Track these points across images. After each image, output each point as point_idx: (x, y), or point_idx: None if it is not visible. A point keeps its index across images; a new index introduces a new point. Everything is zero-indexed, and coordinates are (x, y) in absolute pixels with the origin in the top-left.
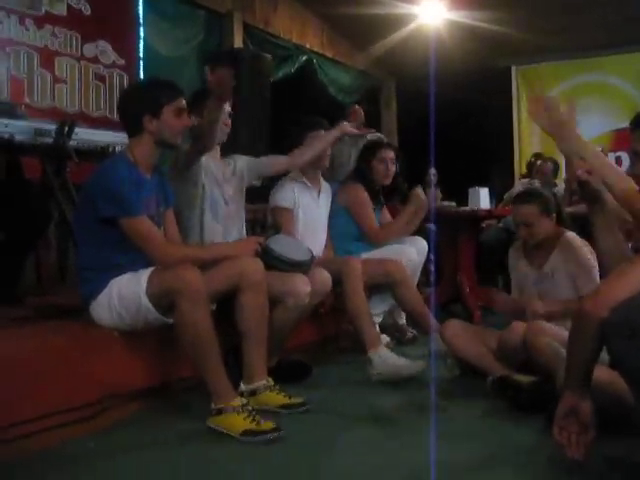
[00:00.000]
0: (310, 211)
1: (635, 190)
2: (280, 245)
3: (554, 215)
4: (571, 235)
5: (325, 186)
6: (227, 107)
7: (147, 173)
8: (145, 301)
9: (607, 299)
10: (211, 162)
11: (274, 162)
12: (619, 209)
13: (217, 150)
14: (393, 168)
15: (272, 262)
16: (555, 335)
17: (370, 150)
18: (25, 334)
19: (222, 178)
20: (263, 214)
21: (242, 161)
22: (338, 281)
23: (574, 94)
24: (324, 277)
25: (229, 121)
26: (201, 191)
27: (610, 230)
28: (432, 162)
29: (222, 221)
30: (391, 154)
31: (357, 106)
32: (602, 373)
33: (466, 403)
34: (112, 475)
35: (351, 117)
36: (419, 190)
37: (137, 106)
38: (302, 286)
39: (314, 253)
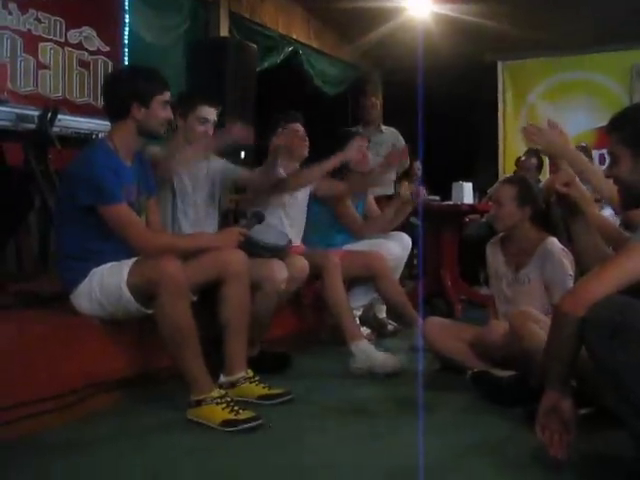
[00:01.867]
0: (287, 203)
1: None
2: (259, 233)
3: (528, 209)
4: (552, 242)
5: None
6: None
7: (127, 160)
8: (126, 292)
9: (584, 298)
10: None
11: (245, 176)
12: (599, 218)
13: None
14: (370, 155)
15: (254, 250)
16: (542, 322)
17: (344, 142)
18: (5, 321)
19: (193, 184)
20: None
21: (218, 164)
22: (317, 274)
23: (560, 91)
24: (301, 264)
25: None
26: (170, 194)
27: (589, 235)
28: (419, 156)
29: (192, 224)
30: (365, 142)
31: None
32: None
33: (446, 397)
34: (90, 464)
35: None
36: (405, 186)
37: (127, 92)
38: (279, 272)
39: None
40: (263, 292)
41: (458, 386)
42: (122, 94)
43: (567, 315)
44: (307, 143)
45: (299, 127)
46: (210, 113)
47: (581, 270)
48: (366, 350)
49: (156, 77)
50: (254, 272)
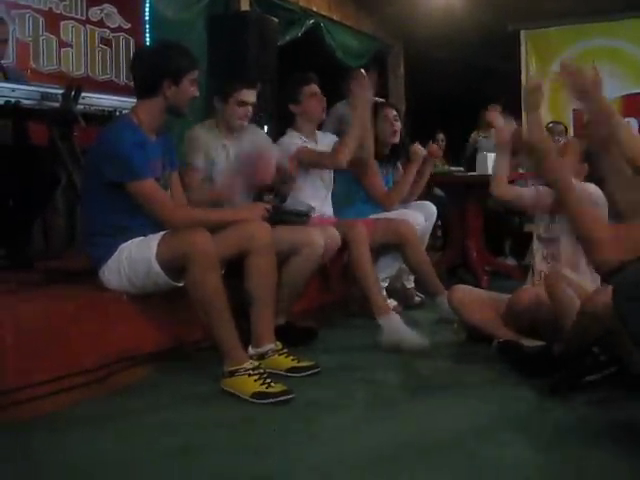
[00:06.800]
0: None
1: None
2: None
3: (585, 166)
4: (589, 184)
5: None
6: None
7: (152, 135)
8: (155, 266)
9: (625, 242)
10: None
11: None
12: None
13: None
14: (398, 125)
15: (282, 217)
16: (573, 284)
17: (371, 112)
18: (37, 298)
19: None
20: None
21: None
22: (345, 245)
23: (583, 59)
24: (333, 234)
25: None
26: (210, 167)
27: (620, 171)
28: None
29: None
30: (393, 112)
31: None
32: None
33: (472, 367)
34: (123, 437)
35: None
36: (417, 146)
37: (159, 69)
38: (317, 236)
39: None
40: (302, 256)
41: (484, 357)
42: (153, 70)
43: (608, 261)
44: (324, 105)
45: (316, 89)
46: (250, 95)
47: (613, 213)
48: (395, 325)
49: (187, 55)
50: (291, 238)
